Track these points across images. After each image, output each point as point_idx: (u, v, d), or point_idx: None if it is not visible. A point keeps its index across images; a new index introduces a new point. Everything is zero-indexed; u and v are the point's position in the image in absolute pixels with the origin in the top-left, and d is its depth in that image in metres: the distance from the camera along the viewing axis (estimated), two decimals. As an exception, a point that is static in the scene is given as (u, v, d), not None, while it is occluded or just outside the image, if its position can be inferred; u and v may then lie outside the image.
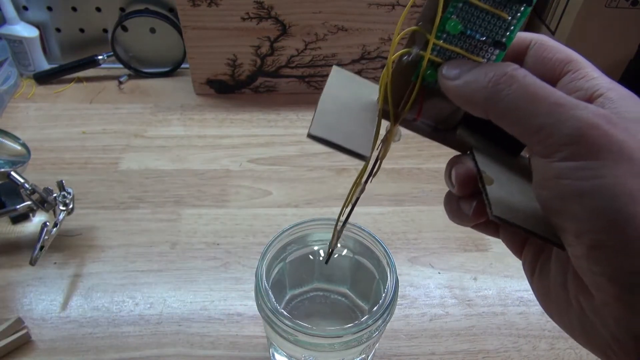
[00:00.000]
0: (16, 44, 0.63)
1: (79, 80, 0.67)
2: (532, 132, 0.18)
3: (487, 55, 0.21)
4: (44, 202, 0.43)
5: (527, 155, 0.22)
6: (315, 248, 0.35)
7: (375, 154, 0.24)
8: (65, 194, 0.44)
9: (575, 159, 0.17)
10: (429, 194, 0.52)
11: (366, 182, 0.25)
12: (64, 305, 0.42)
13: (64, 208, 0.44)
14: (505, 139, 0.22)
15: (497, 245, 0.47)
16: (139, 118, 0.61)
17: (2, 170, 0.43)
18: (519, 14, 0.20)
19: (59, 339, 0.39)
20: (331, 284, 0.35)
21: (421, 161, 0.56)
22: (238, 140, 0.58)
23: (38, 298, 0.42)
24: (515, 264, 0.40)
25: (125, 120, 0.61)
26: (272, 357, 0.37)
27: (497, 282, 0.45)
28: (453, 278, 0.45)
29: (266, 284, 0.31)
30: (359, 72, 0.63)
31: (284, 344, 0.31)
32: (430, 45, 0.21)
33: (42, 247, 0.42)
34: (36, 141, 0.56)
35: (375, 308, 0.30)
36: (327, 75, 0.25)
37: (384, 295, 0.31)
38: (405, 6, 0.57)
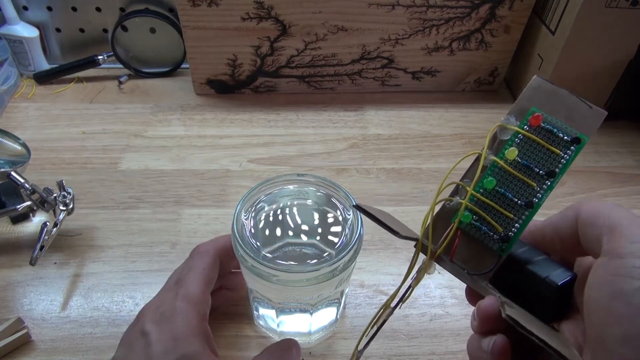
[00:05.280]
0: (16, 44, 0.63)
1: (79, 80, 0.67)
2: None
3: (516, 212, 0.26)
4: (44, 202, 0.43)
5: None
6: (285, 204, 0.37)
7: (407, 282, 0.28)
8: (65, 194, 0.44)
9: None
10: (429, 194, 0.52)
11: (395, 307, 0.28)
12: (64, 305, 0.42)
13: (64, 208, 0.44)
14: (532, 302, 0.25)
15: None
16: (139, 118, 0.61)
17: (2, 170, 0.43)
18: (545, 186, 0.25)
19: (59, 338, 0.39)
20: (301, 237, 0.38)
21: (421, 161, 0.56)
22: (238, 140, 0.58)
23: (38, 298, 0.42)
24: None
25: (125, 120, 0.61)
26: (255, 311, 0.39)
27: (497, 282, 0.45)
28: (453, 278, 0.43)
29: (245, 235, 0.33)
30: (358, 72, 0.63)
31: (266, 288, 0.33)
32: (468, 195, 0.26)
33: (42, 247, 0.42)
34: (36, 141, 0.56)
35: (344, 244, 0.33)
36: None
37: (348, 230, 0.34)
38: (405, 6, 0.58)
